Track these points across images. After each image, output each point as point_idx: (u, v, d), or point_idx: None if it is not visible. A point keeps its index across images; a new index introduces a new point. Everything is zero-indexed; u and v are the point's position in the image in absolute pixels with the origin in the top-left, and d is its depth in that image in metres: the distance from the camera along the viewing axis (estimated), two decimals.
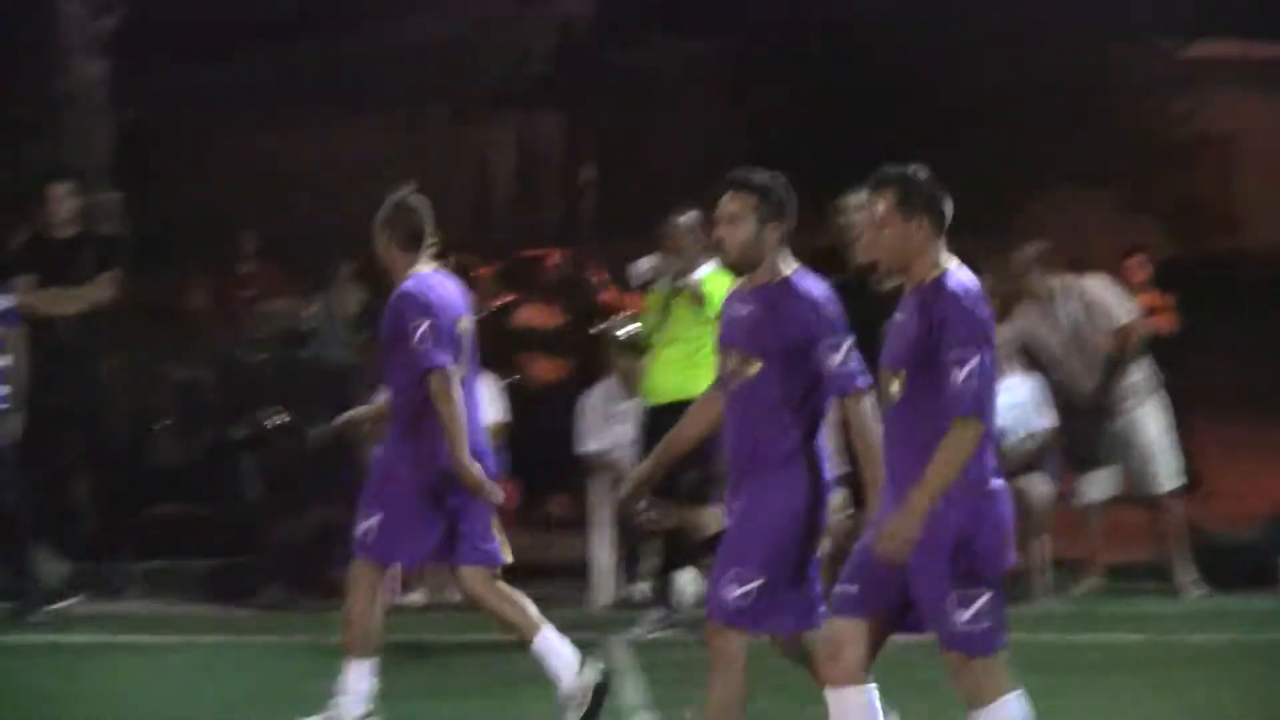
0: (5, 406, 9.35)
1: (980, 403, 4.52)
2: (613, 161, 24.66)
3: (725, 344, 5.55)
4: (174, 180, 17.61)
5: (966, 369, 4.46)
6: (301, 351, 11.48)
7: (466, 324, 6.58)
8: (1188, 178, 23.43)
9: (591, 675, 6.32)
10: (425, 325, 6.32)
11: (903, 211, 4.54)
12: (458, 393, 6.22)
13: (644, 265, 9.47)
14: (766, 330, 5.40)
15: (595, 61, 22.09)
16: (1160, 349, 10.31)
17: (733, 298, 5.59)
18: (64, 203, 10.63)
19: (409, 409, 6.49)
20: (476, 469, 6.28)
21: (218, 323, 13.19)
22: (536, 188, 27.04)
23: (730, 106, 23.79)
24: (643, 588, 9.78)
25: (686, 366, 8.64)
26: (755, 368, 5.39)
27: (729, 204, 5.38)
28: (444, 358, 6.22)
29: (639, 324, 9.43)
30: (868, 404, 5.22)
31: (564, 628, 6.72)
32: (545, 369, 12.26)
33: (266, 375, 11.43)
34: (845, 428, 5.47)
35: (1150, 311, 10.96)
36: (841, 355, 5.27)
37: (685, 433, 5.87)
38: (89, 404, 10.59)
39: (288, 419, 10.82)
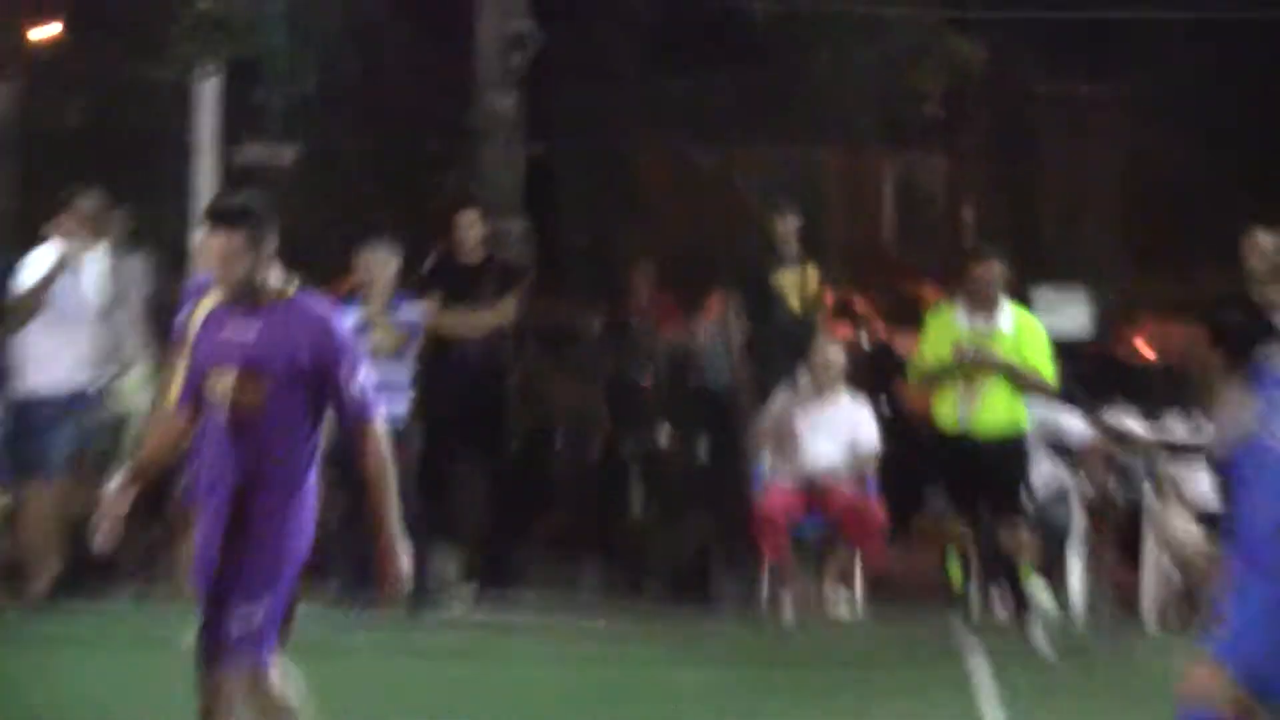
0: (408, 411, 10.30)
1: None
2: (992, 203, 25.78)
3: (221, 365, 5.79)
4: (578, 209, 18.67)
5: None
6: (690, 376, 12.18)
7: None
8: None
9: None
10: None
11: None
12: None
13: None
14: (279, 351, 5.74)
15: (982, 106, 22.80)
16: None
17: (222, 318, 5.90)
18: (471, 229, 11.28)
19: None
20: None
21: (609, 346, 13.58)
22: (920, 225, 28.13)
23: (1109, 151, 24.24)
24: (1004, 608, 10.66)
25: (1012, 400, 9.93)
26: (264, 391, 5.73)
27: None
28: None
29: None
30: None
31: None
32: (918, 399, 12.58)
33: (656, 397, 12.16)
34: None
35: None
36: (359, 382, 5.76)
37: None
38: (491, 419, 11.36)
39: (675, 439, 11.72)
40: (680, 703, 8.44)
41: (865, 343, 14.66)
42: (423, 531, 9.78)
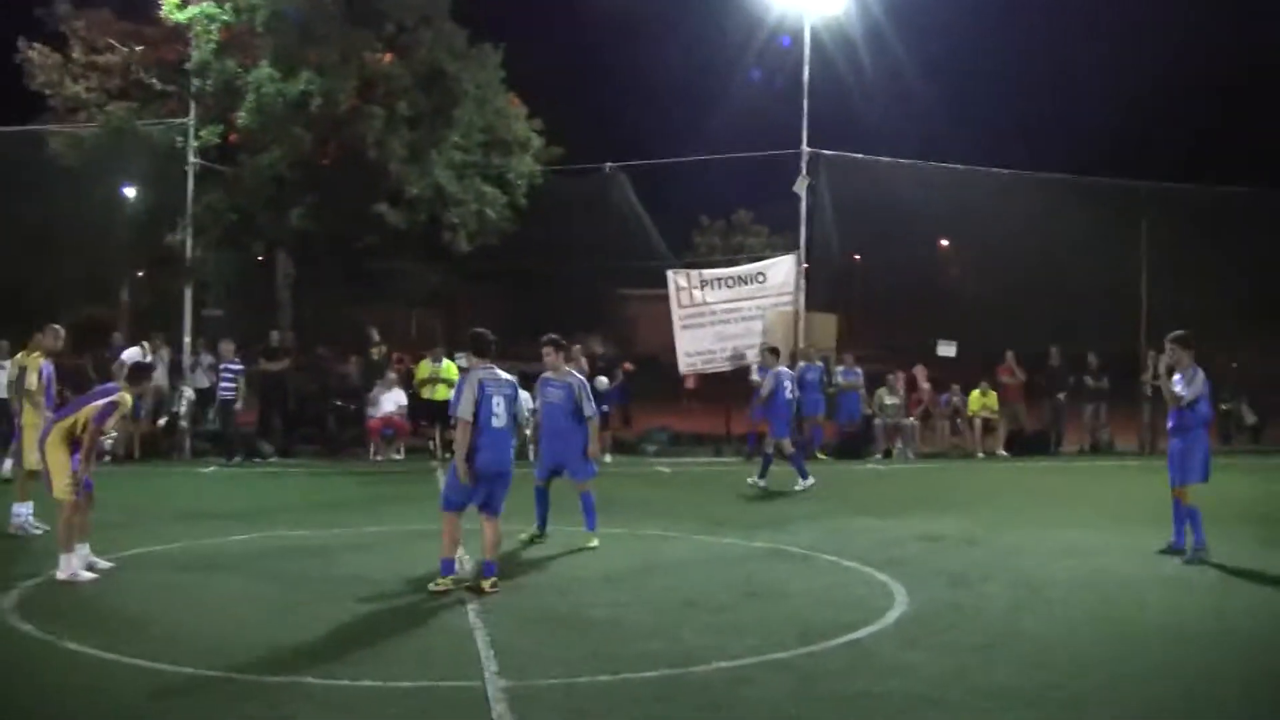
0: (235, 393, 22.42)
1: None
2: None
3: None
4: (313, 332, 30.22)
5: None
6: (346, 381, 24.49)
7: None
8: None
9: None
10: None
11: None
12: None
13: None
14: None
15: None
16: None
17: None
18: (278, 337, 23.90)
19: None
20: None
21: (318, 370, 25.39)
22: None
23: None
24: None
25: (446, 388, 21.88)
26: None
27: None
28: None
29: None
30: None
31: None
32: (420, 388, 23.37)
33: (335, 384, 24.03)
34: None
35: None
36: None
37: None
38: (284, 393, 23.45)
39: (345, 403, 23.80)
40: (347, 492, 17.15)
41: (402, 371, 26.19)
42: (266, 432, 22.82)
